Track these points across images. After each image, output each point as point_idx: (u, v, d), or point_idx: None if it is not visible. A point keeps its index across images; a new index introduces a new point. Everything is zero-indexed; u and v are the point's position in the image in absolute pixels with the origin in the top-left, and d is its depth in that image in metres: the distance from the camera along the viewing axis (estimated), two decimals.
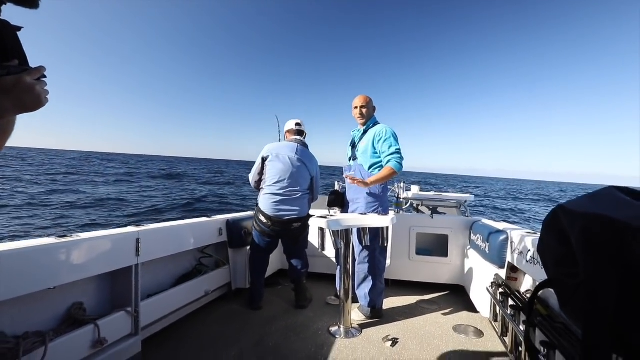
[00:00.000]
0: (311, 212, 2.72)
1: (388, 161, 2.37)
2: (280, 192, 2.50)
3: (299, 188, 2.54)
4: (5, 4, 0.75)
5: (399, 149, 2.40)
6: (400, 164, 2.37)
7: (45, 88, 0.80)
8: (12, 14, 0.79)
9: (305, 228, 2.64)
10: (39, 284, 1.40)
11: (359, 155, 2.56)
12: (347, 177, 2.48)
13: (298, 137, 2.70)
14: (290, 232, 2.54)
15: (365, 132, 2.57)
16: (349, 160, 2.69)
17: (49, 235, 1.59)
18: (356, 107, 2.57)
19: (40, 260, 1.40)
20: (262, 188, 2.60)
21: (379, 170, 2.43)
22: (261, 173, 2.63)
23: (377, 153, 2.47)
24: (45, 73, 0.81)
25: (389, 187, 3.79)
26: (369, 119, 2.58)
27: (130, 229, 1.92)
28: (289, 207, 2.50)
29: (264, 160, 2.60)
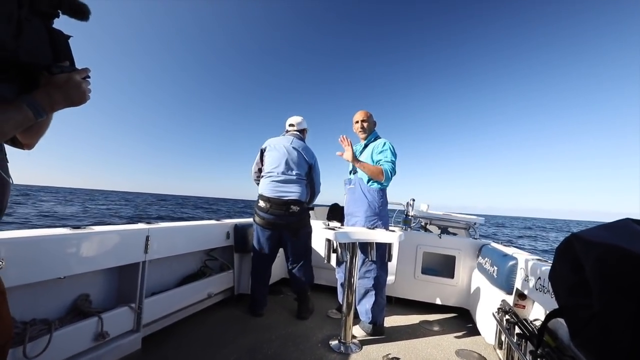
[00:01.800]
0: (312, 222, 2.73)
1: (381, 165, 2.42)
2: (278, 175, 2.56)
3: (295, 172, 2.58)
4: (59, 17, 0.86)
5: (394, 161, 2.44)
6: (390, 173, 2.40)
7: (89, 87, 0.91)
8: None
9: (304, 220, 2.63)
10: (49, 273, 1.44)
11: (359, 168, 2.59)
12: (342, 139, 2.48)
13: (294, 132, 2.78)
14: (289, 217, 2.52)
15: (366, 146, 2.61)
16: (350, 173, 2.71)
17: (63, 226, 1.63)
18: (357, 122, 2.61)
19: (52, 249, 1.44)
20: (261, 176, 2.68)
21: (378, 184, 2.47)
22: (260, 163, 2.72)
23: (375, 163, 2.49)
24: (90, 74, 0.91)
25: (401, 204, 3.76)
26: (370, 133, 2.62)
27: (141, 225, 1.96)
28: (287, 189, 2.54)
29: (262, 152, 2.71)
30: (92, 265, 1.63)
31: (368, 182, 2.50)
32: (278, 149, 2.62)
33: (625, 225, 0.72)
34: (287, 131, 2.81)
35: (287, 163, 2.58)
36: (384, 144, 2.49)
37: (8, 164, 0.90)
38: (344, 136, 2.48)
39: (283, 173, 2.56)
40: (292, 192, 2.54)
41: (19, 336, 1.28)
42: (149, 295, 2.00)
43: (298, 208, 2.54)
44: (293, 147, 2.62)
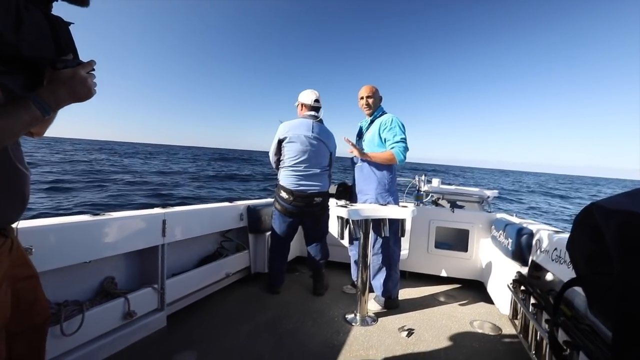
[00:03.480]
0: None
1: (391, 148, 2.37)
2: (301, 170, 2.50)
3: (318, 165, 2.54)
4: (57, 1, 0.82)
5: (404, 139, 2.38)
6: (403, 154, 2.35)
7: (94, 80, 0.88)
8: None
9: (325, 207, 2.64)
10: (76, 257, 1.51)
11: (365, 145, 2.55)
12: (346, 141, 2.44)
13: (313, 113, 2.60)
14: (312, 208, 2.54)
15: (372, 122, 2.56)
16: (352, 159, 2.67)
17: (84, 213, 1.70)
18: (362, 98, 2.54)
19: (76, 235, 1.50)
20: (281, 167, 2.60)
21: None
22: (278, 154, 2.62)
23: (383, 142, 2.45)
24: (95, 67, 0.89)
25: (412, 181, 3.73)
26: (376, 109, 2.55)
27: (157, 210, 2.01)
28: (310, 182, 2.51)
29: (280, 142, 2.57)
30: (115, 249, 1.70)
31: None
32: (300, 140, 2.50)
33: None
34: (306, 106, 2.60)
35: (310, 156, 2.50)
36: (392, 120, 2.43)
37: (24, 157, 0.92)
38: (346, 138, 2.45)
39: (306, 168, 2.50)
40: (316, 184, 2.53)
41: (55, 316, 1.36)
42: (170, 277, 2.09)
43: (321, 199, 2.56)
44: (314, 137, 2.52)
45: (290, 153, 2.53)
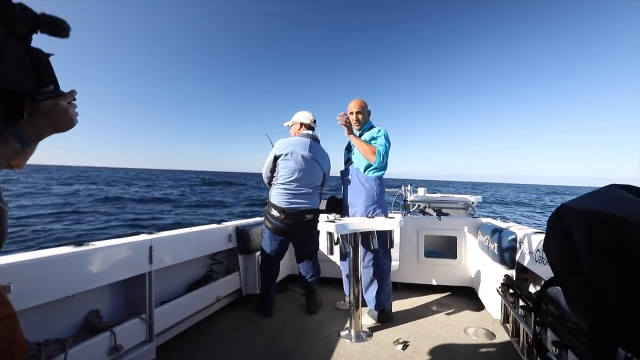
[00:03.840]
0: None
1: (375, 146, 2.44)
2: (293, 188, 2.51)
3: (311, 185, 2.56)
4: (37, 33, 0.83)
5: (388, 147, 2.46)
6: (382, 156, 2.41)
7: (75, 110, 0.89)
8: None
9: (316, 224, 2.63)
10: (58, 292, 1.45)
11: (355, 157, 2.60)
12: (341, 115, 2.48)
13: (310, 132, 2.65)
14: (302, 225, 2.53)
15: (360, 135, 2.61)
16: (345, 164, 2.72)
17: (67, 244, 1.64)
18: (352, 113, 2.59)
19: (58, 269, 1.45)
20: (274, 184, 2.60)
21: (375, 172, 2.50)
22: (273, 170, 2.62)
23: None
24: (76, 97, 0.90)
25: (398, 191, 3.80)
26: (365, 124, 2.62)
27: (143, 237, 1.97)
28: (302, 200, 2.52)
29: (276, 158, 2.58)
30: (99, 280, 1.65)
31: (364, 171, 2.52)
32: (295, 159, 2.51)
33: (611, 192, 0.74)
34: (303, 124, 2.66)
35: (304, 176, 2.52)
36: (378, 131, 2.50)
37: (2, 192, 0.91)
38: (342, 113, 2.49)
39: (298, 186, 2.52)
40: (307, 202, 2.54)
41: (35, 358, 1.30)
42: (159, 305, 2.02)
43: (312, 216, 2.57)
44: (311, 157, 2.54)
45: (284, 170, 2.54)
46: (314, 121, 2.70)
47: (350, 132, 2.49)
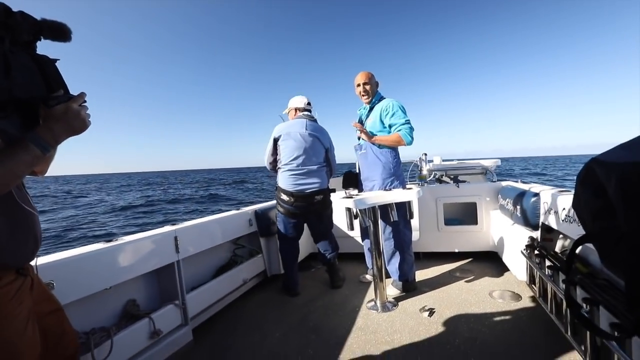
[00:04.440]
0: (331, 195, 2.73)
1: (398, 131, 2.36)
2: (298, 168, 2.52)
3: (315, 161, 2.56)
4: (41, 40, 0.84)
5: (409, 120, 2.37)
6: (411, 135, 2.34)
7: (87, 112, 0.91)
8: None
9: (327, 203, 2.65)
10: (96, 286, 1.54)
11: (369, 131, 2.54)
12: (355, 125, 2.49)
13: (306, 113, 2.66)
14: (313, 206, 2.55)
15: (371, 109, 2.54)
16: (359, 139, 2.67)
17: (97, 242, 1.72)
18: (358, 85, 2.52)
19: (95, 264, 1.53)
20: (279, 168, 2.62)
21: (388, 147, 2.44)
22: (274, 154, 2.64)
23: (385, 128, 2.44)
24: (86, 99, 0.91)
25: (414, 161, 3.74)
26: (374, 96, 2.54)
27: (168, 228, 2.04)
28: (308, 181, 2.53)
29: (275, 140, 2.60)
30: (132, 272, 1.73)
31: (378, 146, 2.48)
32: (294, 138, 2.52)
33: None
34: (298, 109, 2.68)
35: (305, 153, 2.52)
36: (392, 105, 2.41)
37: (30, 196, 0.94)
38: (355, 122, 2.51)
39: (303, 165, 2.52)
40: (315, 182, 2.54)
41: (85, 345, 1.40)
42: (190, 291, 2.12)
43: (322, 197, 2.57)
44: (309, 134, 2.54)
45: (285, 151, 2.55)
46: (308, 103, 2.69)
47: (370, 137, 2.44)
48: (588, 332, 1.30)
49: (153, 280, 2.03)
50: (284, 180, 2.54)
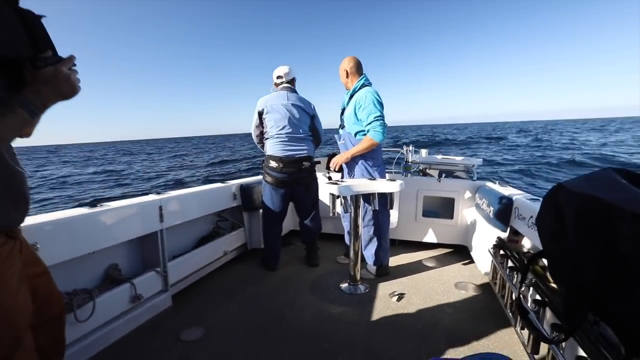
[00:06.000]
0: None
1: (367, 131, 2.39)
2: (286, 135, 2.57)
3: (301, 129, 2.62)
4: None
5: (379, 116, 2.35)
6: (381, 133, 2.35)
7: (77, 76, 0.85)
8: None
9: (314, 173, 2.73)
10: (80, 249, 1.57)
11: (345, 122, 2.58)
12: (332, 165, 2.62)
13: (286, 85, 2.68)
14: (301, 172, 2.61)
15: (351, 96, 2.53)
16: (339, 128, 2.70)
17: (80, 206, 1.73)
18: (344, 70, 2.53)
19: (79, 228, 1.55)
20: (266, 139, 2.66)
21: (364, 135, 2.47)
22: (260, 127, 2.68)
23: (358, 121, 2.46)
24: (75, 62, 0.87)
25: (400, 151, 3.81)
26: (355, 82, 2.52)
27: (153, 197, 2.06)
28: (297, 146, 2.59)
29: (260, 114, 2.63)
30: (116, 238, 1.76)
31: (356, 135, 2.51)
32: (278, 110, 2.56)
33: (606, 176, 0.78)
34: (277, 84, 2.70)
35: (291, 122, 2.56)
36: (366, 96, 2.38)
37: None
38: (330, 165, 2.66)
39: (289, 133, 2.56)
40: (302, 148, 2.60)
41: (68, 305, 1.45)
42: (171, 259, 2.18)
43: (309, 164, 2.64)
44: (292, 104, 2.57)
45: (271, 123, 2.59)
46: (287, 73, 2.68)
47: (345, 158, 2.52)
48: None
49: (136, 247, 2.07)
50: (273, 147, 2.59)
